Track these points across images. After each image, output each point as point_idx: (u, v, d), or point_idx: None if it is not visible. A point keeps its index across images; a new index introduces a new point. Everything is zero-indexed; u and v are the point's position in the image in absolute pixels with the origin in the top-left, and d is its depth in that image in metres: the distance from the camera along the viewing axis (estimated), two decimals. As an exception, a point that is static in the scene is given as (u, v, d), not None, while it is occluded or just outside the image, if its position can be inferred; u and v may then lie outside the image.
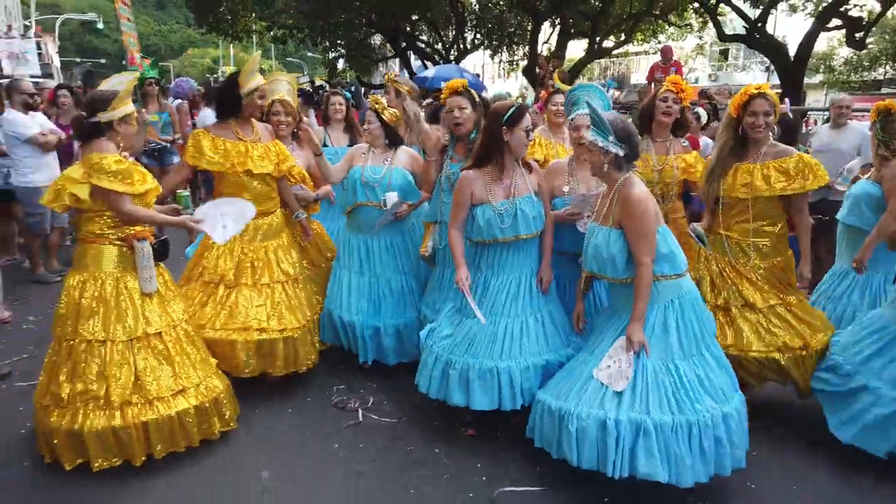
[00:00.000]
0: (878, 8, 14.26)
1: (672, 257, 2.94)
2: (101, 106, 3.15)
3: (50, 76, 25.83)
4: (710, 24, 17.73)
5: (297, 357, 3.94)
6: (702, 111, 6.48)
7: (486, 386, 3.23)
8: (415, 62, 23.57)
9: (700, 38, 26.38)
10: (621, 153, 2.89)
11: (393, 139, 4.20)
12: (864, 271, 3.79)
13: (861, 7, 15.20)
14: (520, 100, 3.55)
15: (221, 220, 3.45)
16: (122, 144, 3.22)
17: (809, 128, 10.62)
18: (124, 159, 3.18)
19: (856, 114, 9.52)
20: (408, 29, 21.82)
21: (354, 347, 4.20)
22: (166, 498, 3.01)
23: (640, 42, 23.35)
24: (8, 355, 4.50)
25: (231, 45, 43.51)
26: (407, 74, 21.94)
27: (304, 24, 20.34)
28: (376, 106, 4.12)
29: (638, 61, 33.34)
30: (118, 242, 3.23)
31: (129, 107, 3.22)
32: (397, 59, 24.79)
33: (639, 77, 35.40)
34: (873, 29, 26.31)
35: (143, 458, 3.17)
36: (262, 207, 3.92)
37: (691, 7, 18.72)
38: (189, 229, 3.82)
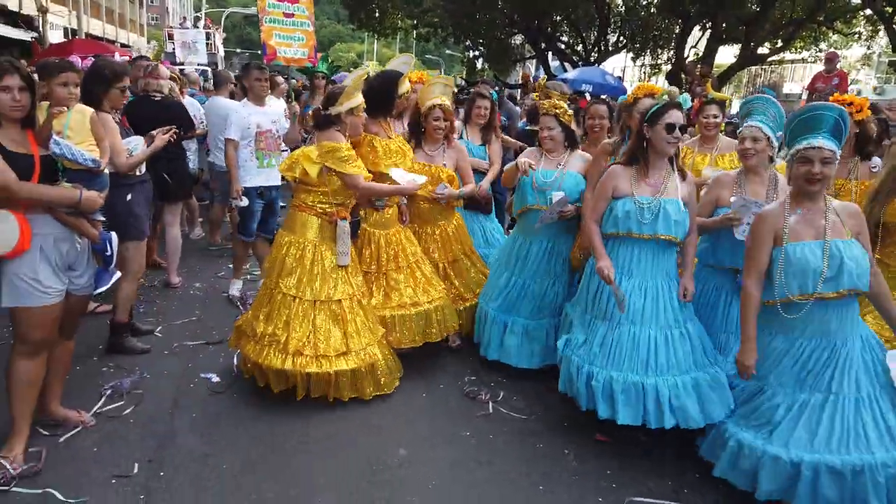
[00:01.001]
0: None
1: None
2: (332, 101, 3.72)
3: (215, 65, 28.07)
4: (881, 34, 16.26)
5: (446, 324, 4.26)
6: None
7: (629, 401, 3.20)
8: (552, 62, 23.41)
9: (868, 47, 24.19)
10: None
11: (571, 142, 4.21)
12: None
13: None
14: (665, 97, 3.44)
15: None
16: (347, 133, 3.78)
17: None
18: (350, 147, 3.72)
19: None
20: (549, 29, 21.69)
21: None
22: (311, 450, 3.30)
23: (798, 49, 21.82)
24: (178, 317, 5.03)
25: (375, 41, 45.31)
26: (544, 75, 21.85)
27: (449, 23, 20.81)
28: (556, 111, 4.12)
29: (793, 69, 31.17)
30: (323, 216, 3.79)
31: (354, 101, 3.73)
32: (534, 60, 24.74)
33: (792, 87, 33.05)
34: None
35: (303, 395, 3.71)
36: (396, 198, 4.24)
37: (862, 14, 17.23)
38: None
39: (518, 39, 25.78)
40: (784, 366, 2.88)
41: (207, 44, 26.43)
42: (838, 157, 2.80)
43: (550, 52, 22.71)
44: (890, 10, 14.78)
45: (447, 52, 39.75)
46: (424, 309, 4.15)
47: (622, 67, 33.30)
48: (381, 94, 4.13)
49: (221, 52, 36.18)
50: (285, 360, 3.63)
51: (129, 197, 4.11)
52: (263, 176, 5.35)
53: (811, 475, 2.71)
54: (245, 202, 5.26)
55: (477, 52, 25.62)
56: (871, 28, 18.59)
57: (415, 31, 23.06)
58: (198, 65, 21.63)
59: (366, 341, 3.80)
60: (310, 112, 7.95)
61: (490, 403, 3.91)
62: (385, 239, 4.17)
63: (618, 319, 3.29)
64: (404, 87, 4.18)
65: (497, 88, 8.78)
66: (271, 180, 5.41)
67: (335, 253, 3.79)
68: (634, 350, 3.24)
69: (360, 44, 57.04)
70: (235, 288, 5.57)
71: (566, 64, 21.74)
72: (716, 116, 4.44)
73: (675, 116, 3.21)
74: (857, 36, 20.80)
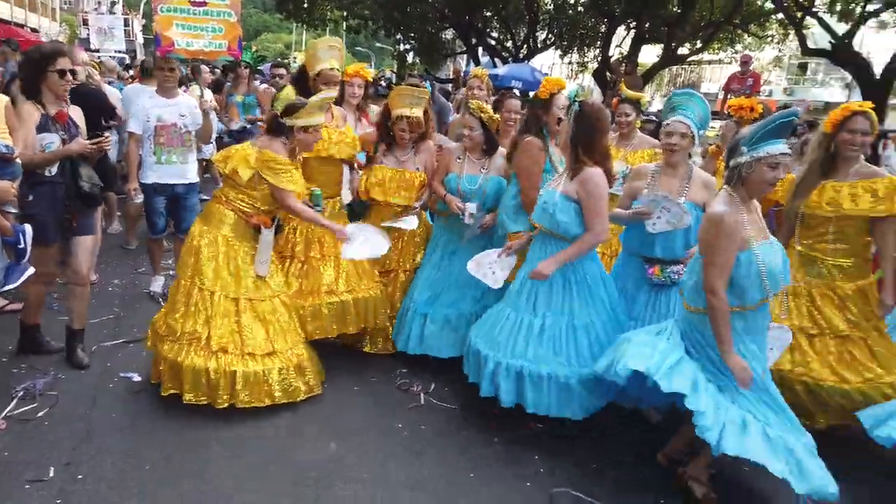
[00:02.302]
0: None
1: None
2: (291, 112, 3.56)
3: (133, 52, 26.91)
4: (791, 37, 17.20)
5: (368, 317, 4.15)
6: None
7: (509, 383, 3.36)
8: (483, 58, 23.60)
9: (779, 50, 25.53)
10: None
11: (491, 145, 4.22)
12: None
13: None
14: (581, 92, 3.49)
15: (362, 242, 3.81)
16: (297, 148, 3.66)
17: (887, 150, 10.25)
18: (290, 162, 3.59)
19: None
20: (479, 25, 21.86)
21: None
22: (236, 447, 3.23)
23: (716, 50, 22.78)
24: (96, 315, 4.81)
25: (304, 32, 44.47)
26: (478, 69, 21.99)
27: (380, 16, 20.65)
28: (481, 114, 4.12)
29: (711, 69, 32.52)
30: (240, 213, 3.64)
31: (312, 119, 3.60)
32: (465, 55, 24.88)
33: (710, 86, 34.50)
34: (968, 50, 25.03)
35: (226, 405, 3.48)
36: (331, 191, 4.20)
37: (774, 18, 18.16)
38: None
39: (449, 34, 25.85)
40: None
41: (125, 30, 25.26)
42: None
43: (481, 48, 22.89)
44: (799, 14, 15.63)
45: (377, 44, 39.48)
46: (341, 300, 4.04)
47: (551, 64, 33.97)
48: (298, 79, 4.17)
49: (140, 40, 34.68)
50: (209, 358, 3.48)
51: (29, 197, 3.69)
52: (160, 172, 5.01)
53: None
54: (139, 199, 5.09)
55: (408, 46, 25.56)
56: (782, 31, 19.59)
57: (345, 23, 22.76)
58: (115, 52, 20.62)
59: (291, 341, 3.70)
60: (234, 101, 7.76)
61: (422, 395, 3.93)
62: (310, 227, 4.10)
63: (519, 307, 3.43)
64: (320, 65, 4.07)
65: (429, 82, 8.79)
66: (172, 177, 5.05)
67: (253, 256, 3.65)
68: (520, 334, 3.37)
69: (289, 34, 55.79)
70: (157, 284, 5.36)
71: (496, 60, 21.97)
72: (628, 115, 4.62)
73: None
74: (769, 39, 21.90)
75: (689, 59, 22.32)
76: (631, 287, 3.68)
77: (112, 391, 3.75)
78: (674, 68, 33.09)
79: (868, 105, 3.49)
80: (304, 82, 4.18)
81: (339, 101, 4.79)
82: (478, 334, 3.60)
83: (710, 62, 28.03)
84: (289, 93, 4.76)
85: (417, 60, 25.87)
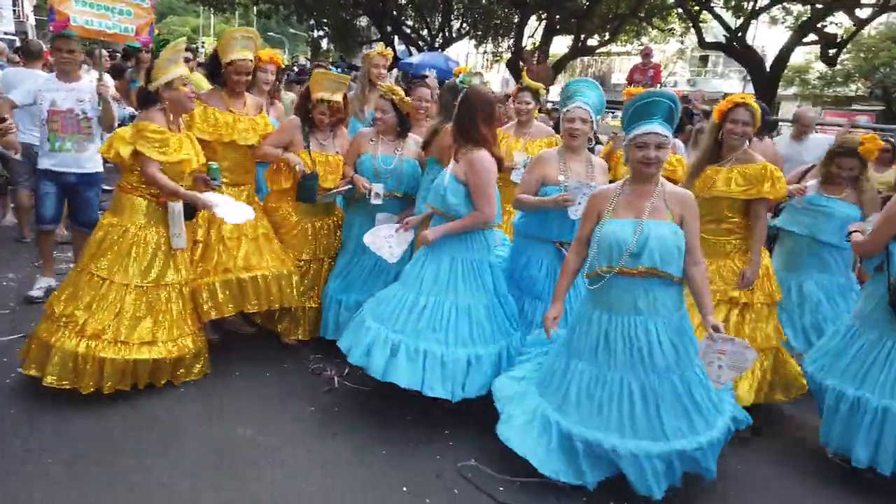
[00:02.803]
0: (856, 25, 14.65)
1: None
2: (152, 76, 3.47)
3: (24, 34, 25.17)
4: (692, 30, 18.09)
5: (272, 296, 4.06)
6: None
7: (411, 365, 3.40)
8: (399, 46, 23.56)
9: (682, 42, 26.76)
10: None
11: (404, 127, 4.28)
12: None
13: (837, 24, 15.67)
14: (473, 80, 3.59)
15: (231, 207, 3.70)
16: (169, 109, 3.54)
17: (776, 139, 11.04)
18: (164, 129, 3.46)
19: (827, 127, 9.95)
20: (394, 13, 21.78)
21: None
22: (147, 435, 3.18)
23: (624, 43, 23.67)
24: (-11, 309, 4.58)
25: (212, 16, 42.85)
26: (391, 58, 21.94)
27: (291, 0, 20.24)
28: (392, 96, 4.16)
29: (620, 61, 33.67)
30: (150, 197, 3.58)
31: (169, 74, 3.48)
32: (381, 43, 24.78)
33: (619, 77, 35.74)
34: (848, 46, 27.12)
35: (91, 391, 3.42)
36: (239, 178, 4.16)
37: (675, 12, 19.05)
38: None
39: (364, 21, 25.63)
40: (586, 337, 3.02)
41: (14, 10, 23.59)
42: (671, 142, 2.98)
43: (396, 36, 22.83)
44: (697, 9, 16.48)
45: (291, 30, 38.55)
46: (238, 277, 3.95)
47: (466, 54, 34.26)
48: (209, 64, 4.09)
49: (32, 21, 32.47)
50: (79, 342, 3.40)
51: None
52: (54, 160, 4.73)
53: (583, 447, 2.92)
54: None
55: (321, 32, 25.16)
56: (684, 25, 20.57)
57: (255, 7, 22.15)
58: (3, 33, 19.31)
59: (178, 333, 3.66)
60: (137, 87, 7.44)
61: (335, 379, 3.98)
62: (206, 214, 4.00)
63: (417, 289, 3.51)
64: (234, 54, 3.99)
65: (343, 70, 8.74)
66: (65, 166, 4.76)
67: (168, 236, 3.63)
68: (403, 310, 3.47)
69: (196, 17, 53.55)
70: (39, 287, 4.90)
71: (411, 48, 21.98)
72: (528, 103, 4.77)
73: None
74: (671, 32, 22.96)
75: (598, 51, 23.11)
76: (543, 272, 3.79)
77: (9, 387, 3.60)
78: (585, 59, 34.11)
79: (750, 97, 3.78)
80: (216, 69, 4.11)
81: (251, 87, 4.75)
82: (368, 307, 3.64)
83: (619, 54, 29.01)
84: (199, 80, 4.67)
85: (332, 47, 25.54)
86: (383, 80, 5.17)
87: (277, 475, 3.03)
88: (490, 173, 3.39)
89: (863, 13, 14.06)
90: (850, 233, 3.46)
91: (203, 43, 38.13)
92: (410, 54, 20.36)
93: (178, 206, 3.62)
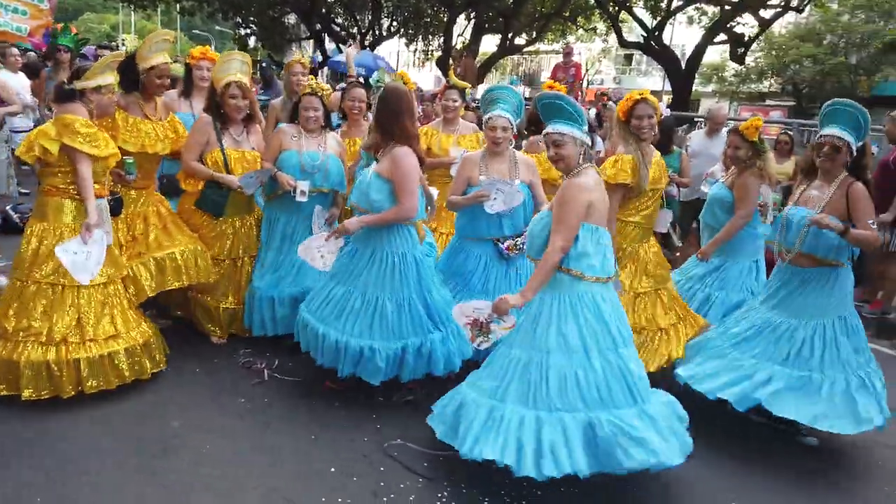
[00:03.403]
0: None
1: (585, 257, 2.96)
2: (79, 75, 3.50)
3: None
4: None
5: (190, 271, 4.08)
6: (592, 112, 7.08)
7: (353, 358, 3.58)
8: (328, 45, 23.44)
9: (605, 41, 27.64)
10: (590, 142, 3.09)
11: (328, 123, 4.34)
12: (707, 260, 4.50)
13: (745, 25, 16.57)
14: (380, 82, 3.70)
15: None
16: (94, 112, 3.56)
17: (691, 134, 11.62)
18: (92, 123, 3.47)
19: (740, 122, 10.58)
20: (323, 10, 21.66)
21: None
22: (78, 432, 3.21)
23: (551, 42, 24.29)
24: None
25: (132, 13, 41.33)
26: (321, 57, 21.79)
27: (216, -3, 19.86)
28: (322, 92, 4.23)
29: (549, 60, 34.40)
30: (77, 197, 3.54)
31: (102, 79, 3.52)
32: (311, 41, 24.56)
33: (548, 75, 36.50)
34: (762, 44, 28.57)
35: (73, 393, 3.48)
36: (149, 181, 4.16)
37: (598, 12, 19.70)
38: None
39: (292, 18, 25.33)
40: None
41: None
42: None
43: (326, 34, 22.71)
44: (615, 9, 17.10)
45: (217, 27, 37.65)
46: (153, 257, 3.96)
47: (397, 52, 34.30)
48: (125, 71, 3.97)
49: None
50: (47, 351, 3.42)
51: None
52: None
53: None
54: None
55: (248, 30, 24.72)
56: (607, 24, 21.29)
57: (178, 5, 21.57)
58: None
59: (134, 321, 3.74)
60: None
61: (265, 371, 4.06)
62: (132, 206, 4.06)
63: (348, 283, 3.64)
64: (156, 59, 3.95)
65: (264, 64, 8.70)
66: None
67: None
68: (337, 306, 3.61)
69: (115, 14, 51.46)
70: None
71: (341, 46, 21.91)
72: (455, 101, 4.93)
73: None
74: (595, 31, 23.70)
75: (526, 50, 23.64)
76: (481, 266, 3.97)
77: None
78: (514, 58, 34.75)
79: (647, 92, 4.07)
80: (133, 74, 3.97)
81: (189, 88, 4.72)
82: (307, 308, 3.75)
83: (547, 52, 29.63)
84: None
85: (260, 45, 25.13)
86: (300, 87, 5.17)
87: (208, 465, 3.11)
88: (412, 168, 3.48)
89: (767, 14, 14.95)
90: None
91: (123, 41, 36.70)
92: (340, 52, 20.28)
93: (103, 203, 3.62)
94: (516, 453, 2.81)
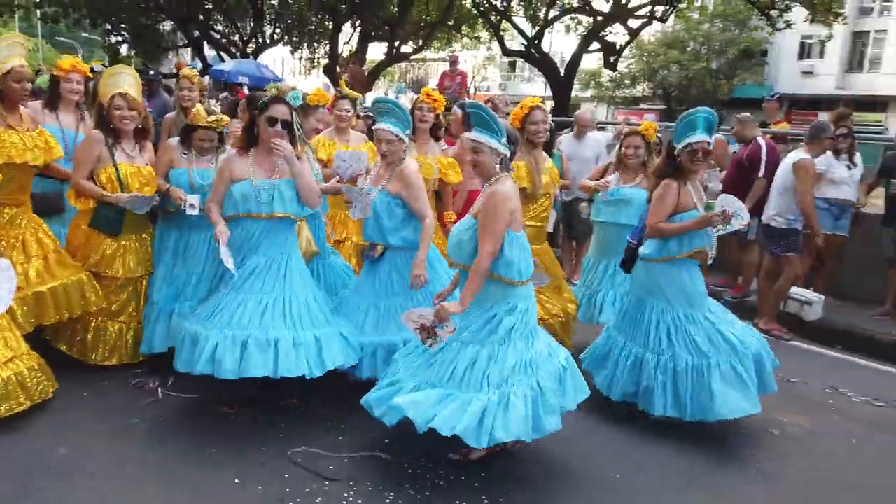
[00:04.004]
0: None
1: (513, 264, 3.19)
2: None
3: None
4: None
5: (73, 304, 3.95)
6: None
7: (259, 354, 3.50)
8: (209, 52, 22.67)
9: (490, 49, 28.48)
10: (508, 154, 3.25)
11: (220, 142, 4.31)
12: None
13: (616, 34, 17.66)
14: (273, 90, 3.73)
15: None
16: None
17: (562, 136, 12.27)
18: None
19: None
20: (202, 18, 20.91)
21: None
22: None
23: (437, 50, 24.69)
24: None
25: (-13, 18, 38.05)
26: (201, 65, 21.04)
27: (80, 3, 18.68)
28: (220, 127, 4.23)
29: (436, 67, 34.99)
30: None
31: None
32: (189, 49, 23.64)
33: (436, 82, 37.10)
34: (633, 52, 30.44)
35: None
36: (18, 198, 3.94)
37: (481, 21, 20.28)
38: None
39: (168, 25, 24.27)
40: None
41: None
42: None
43: (206, 42, 21.93)
44: (497, 18, 17.70)
45: (84, 34, 35.32)
46: (34, 291, 3.82)
47: (282, 60, 33.65)
48: None
49: None
50: None
51: None
52: None
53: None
54: None
55: (120, 38, 23.44)
56: (490, 34, 21.95)
57: (38, 10, 20.11)
58: None
59: (22, 344, 3.57)
60: None
61: (159, 390, 3.95)
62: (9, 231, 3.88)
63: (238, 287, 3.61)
64: (9, 63, 3.76)
65: (152, 73, 8.37)
66: None
67: None
68: (245, 309, 3.56)
69: (-34, 20, 47.16)
70: None
71: (223, 54, 21.26)
72: (347, 110, 4.99)
73: (279, 111, 3.54)
74: (479, 39, 24.37)
75: (413, 58, 23.92)
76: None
77: None
78: (402, 66, 35.04)
79: (538, 99, 4.35)
80: None
81: (55, 100, 4.50)
82: (194, 321, 3.62)
83: (434, 60, 30.11)
84: None
85: (133, 53, 23.87)
86: (190, 101, 5.02)
87: (93, 484, 3.01)
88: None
89: (635, 24, 16.02)
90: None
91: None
92: (222, 60, 19.69)
93: None
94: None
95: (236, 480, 3.11)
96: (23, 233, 3.93)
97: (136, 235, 4.25)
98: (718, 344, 3.85)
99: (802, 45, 31.12)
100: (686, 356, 3.82)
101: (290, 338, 3.51)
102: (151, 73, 8.55)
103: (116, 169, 4.00)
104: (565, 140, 7.35)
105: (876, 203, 6.89)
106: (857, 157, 6.56)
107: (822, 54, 31.28)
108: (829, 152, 6.20)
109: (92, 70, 4.87)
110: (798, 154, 5.77)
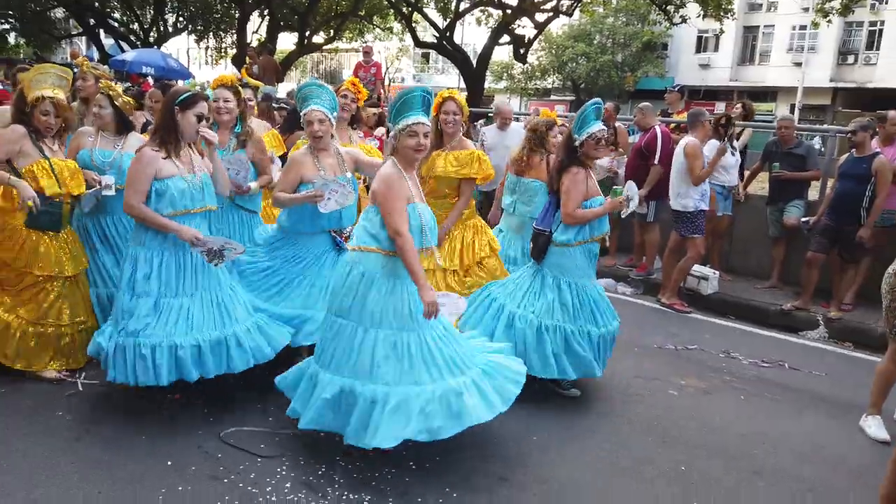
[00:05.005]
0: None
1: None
2: None
3: None
4: (409, 30, 19.49)
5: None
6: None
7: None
8: (106, 40, 21.61)
9: (402, 40, 28.54)
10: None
11: (125, 125, 4.31)
12: None
13: (525, 27, 18.15)
14: (198, 87, 3.77)
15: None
16: None
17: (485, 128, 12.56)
18: None
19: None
20: (96, 5, 19.88)
21: None
22: None
23: (349, 40, 24.52)
24: None
25: None
26: (97, 54, 20.03)
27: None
28: (110, 91, 4.18)
29: (349, 58, 34.72)
30: None
31: None
32: (84, 37, 22.45)
33: (349, 73, 36.85)
34: (543, 44, 31.26)
35: None
36: None
37: (394, 12, 20.33)
38: None
39: (61, 13, 22.93)
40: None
41: None
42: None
43: (102, 30, 20.89)
44: (409, 10, 17.81)
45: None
46: None
47: (187, 49, 32.45)
48: None
49: None
50: None
51: None
52: None
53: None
54: None
55: (7, 25, 21.95)
56: (402, 25, 22.01)
57: None
58: None
59: None
60: None
61: (78, 382, 3.91)
62: None
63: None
64: None
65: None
66: None
67: None
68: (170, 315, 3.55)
69: None
70: None
71: (123, 44, 20.32)
72: (249, 99, 4.94)
73: (204, 107, 3.58)
74: (391, 30, 24.40)
75: (325, 48, 23.66)
76: (314, 256, 4.05)
77: None
78: (314, 56, 34.53)
79: (455, 92, 4.54)
80: None
81: None
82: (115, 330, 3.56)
83: (347, 51, 29.84)
84: None
85: (23, 42, 22.42)
86: (87, 91, 4.84)
87: (23, 488, 2.98)
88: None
89: (542, 17, 16.55)
90: None
91: None
92: (122, 50, 18.81)
93: None
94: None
95: (169, 463, 3.17)
96: None
97: (64, 231, 4.05)
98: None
99: (699, 38, 32.96)
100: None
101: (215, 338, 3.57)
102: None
103: (51, 164, 3.83)
104: (489, 131, 7.58)
105: (763, 186, 7.56)
106: (737, 145, 7.14)
107: (717, 48, 33.32)
108: (714, 140, 6.71)
109: None
110: (686, 139, 6.26)
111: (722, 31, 18.86)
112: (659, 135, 6.89)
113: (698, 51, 34.35)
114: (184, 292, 3.58)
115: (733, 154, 6.89)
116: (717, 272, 6.86)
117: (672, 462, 3.54)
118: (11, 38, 23.33)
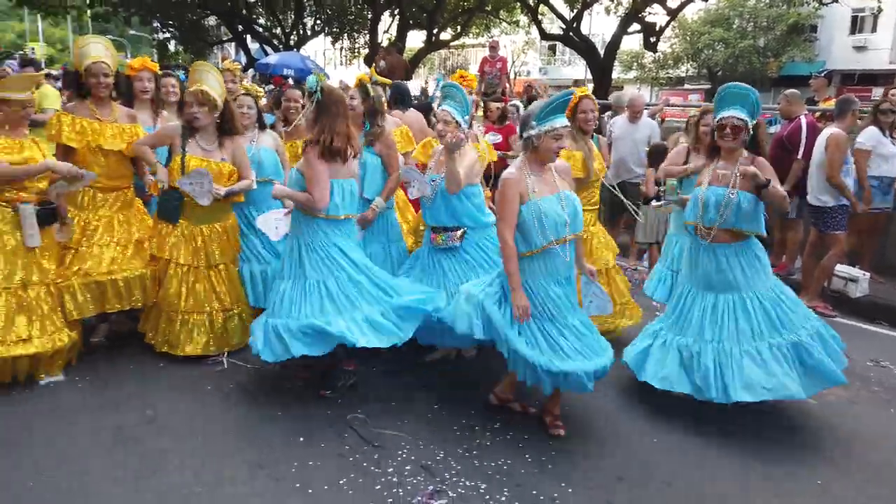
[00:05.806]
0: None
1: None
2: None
3: None
4: (536, 22, 19.34)
5: (133, 297, 4.27)
6: (518, 102, 7.47)
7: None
8: (252, 45, 23.18)
9: (529, 34, 28.28)
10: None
11: (261, 123, 4.75)
12: None
13: (656, 14, 17.41)
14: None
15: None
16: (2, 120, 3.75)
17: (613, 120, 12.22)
18: None
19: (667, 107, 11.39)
20: (244, 12, 21.41)
21: None
22: (50, 421, 3.45)
23: (476, 35, 24.70)
24: None
25: (39, 20, 39.49)
26: (245, 59, 21.55)
27: (131, 2, 19.34)
28: (257, 93, 4.66)
29: (475, 53, 34.93)
30: (3, 204, 3.77)
31: (9, 93, 3.69)
32: (233, 43, 24.21)
33: (475, 69, 37.02)
34: (676, 31, 29.78)
35: None
36: (114, 182, 4.32)
37: (519, 5, 20.24)
38: None
39: (213, 20, 24.88)
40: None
41: None
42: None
43: (249, 35, 22.45)
44: (534, 2, 17.63)
45: (131, 32, 36.39)
46: (96, 280, 4.13)
47: (323, 51, 34.10)
48: (69, 78, 4.20)
49: None
50: None
51: None
52: None
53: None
54: None
55: (168, 34, 24.14)
56: (528, 18, 21.87)
57: (89, 10, 20.84)
58: None
59: (52, 328, 3.88)
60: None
61: (224, 360, 4.30)
62: (85, 217, 4.23)
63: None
64: (85, 61, 4.12)
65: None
66: None
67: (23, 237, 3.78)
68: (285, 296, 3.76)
69: (20, 22, 48.89)
70: None
71: (266, 47, 21.73)
72: (380, 96, 5.16)
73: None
74: (517, 24, 24.28)
75: (452, 44, 24.00)
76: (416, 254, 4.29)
77: None
78: (442, 52, 35.11)
79: (585, 90, 4.58)
80: (77, 80, 4.24)
81: (131, 98, 4.81)
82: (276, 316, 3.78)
83: (473, 46, 30.05)
84: (46, 92, 4.71)
85: (181, 49, 24.57)
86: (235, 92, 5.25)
87: (185, 442, 3.35)
88: (317, 165, 3.62)
89: (674, 3, 15.81)
90: None
91: (32, 49, 35.02)
92: (266, 54, 20.14)
93: (28, 208, 3.78)
94: None
95: (301, 439, 3.42)
96: (113, 215, 4.30)
97: (208, 226, 4.31)
98: None
99: (854, 18, 30.05)
100: None
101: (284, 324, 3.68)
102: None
103: (183, 159, 4.13)
104: (618, 122, 7.40)
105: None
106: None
107: (874, 28, 30.19)
108: (874, 128, 6.14)
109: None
110: (830, 129, 5.76)
111: (880, 10, 17.11)
112: (803, 126, 6.31)
113: (853, 32, 31.31)
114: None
115: (894, 143, 6.28)
116: (868, 274, 6.27)
117: (811, 477, 3.32)
118: (172, 46, 25.63)
